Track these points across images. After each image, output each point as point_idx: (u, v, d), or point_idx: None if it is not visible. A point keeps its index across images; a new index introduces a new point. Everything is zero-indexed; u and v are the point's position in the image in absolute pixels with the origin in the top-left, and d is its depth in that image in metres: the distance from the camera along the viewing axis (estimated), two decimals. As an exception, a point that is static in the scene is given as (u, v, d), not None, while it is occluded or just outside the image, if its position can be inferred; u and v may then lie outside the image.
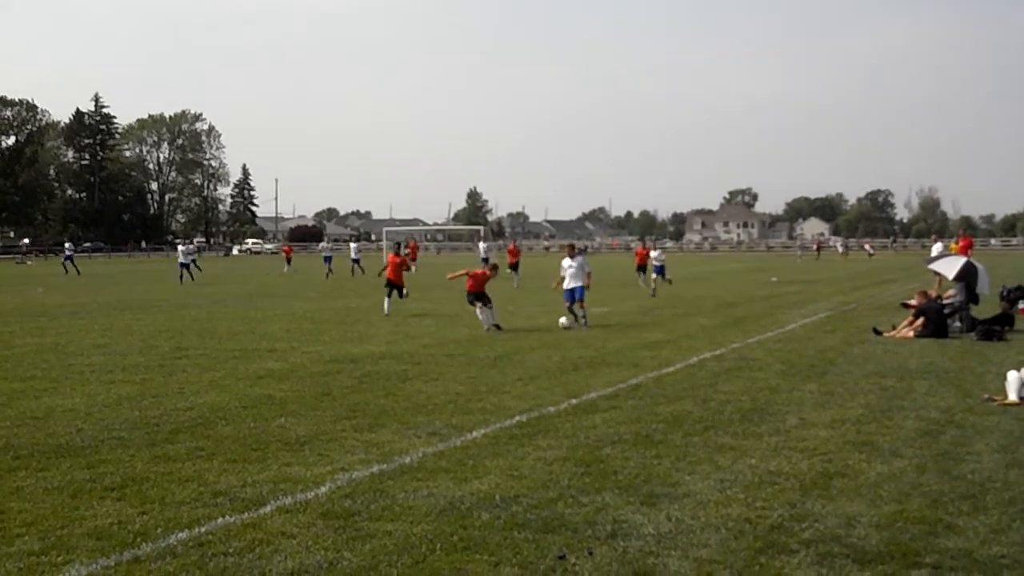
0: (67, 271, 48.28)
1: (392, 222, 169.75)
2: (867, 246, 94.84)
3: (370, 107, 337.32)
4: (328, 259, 49.07)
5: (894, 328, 18.65)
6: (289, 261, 58.45)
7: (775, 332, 19.46)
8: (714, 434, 9.56)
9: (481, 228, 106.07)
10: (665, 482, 7.74)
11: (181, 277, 42.64)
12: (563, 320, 20.53)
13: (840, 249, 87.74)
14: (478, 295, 20.32)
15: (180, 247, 48.27)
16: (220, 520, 6.80)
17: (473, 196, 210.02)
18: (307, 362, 15.26)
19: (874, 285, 38.28)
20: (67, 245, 60.80)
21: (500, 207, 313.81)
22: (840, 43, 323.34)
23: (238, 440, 9.49)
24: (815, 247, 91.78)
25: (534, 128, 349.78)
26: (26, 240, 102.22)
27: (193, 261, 46.47)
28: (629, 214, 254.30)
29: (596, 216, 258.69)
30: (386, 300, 23.97)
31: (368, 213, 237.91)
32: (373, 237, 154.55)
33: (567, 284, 20.70)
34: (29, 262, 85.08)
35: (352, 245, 50.08)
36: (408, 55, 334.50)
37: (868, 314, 23.36)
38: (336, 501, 7.27)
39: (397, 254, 23.11)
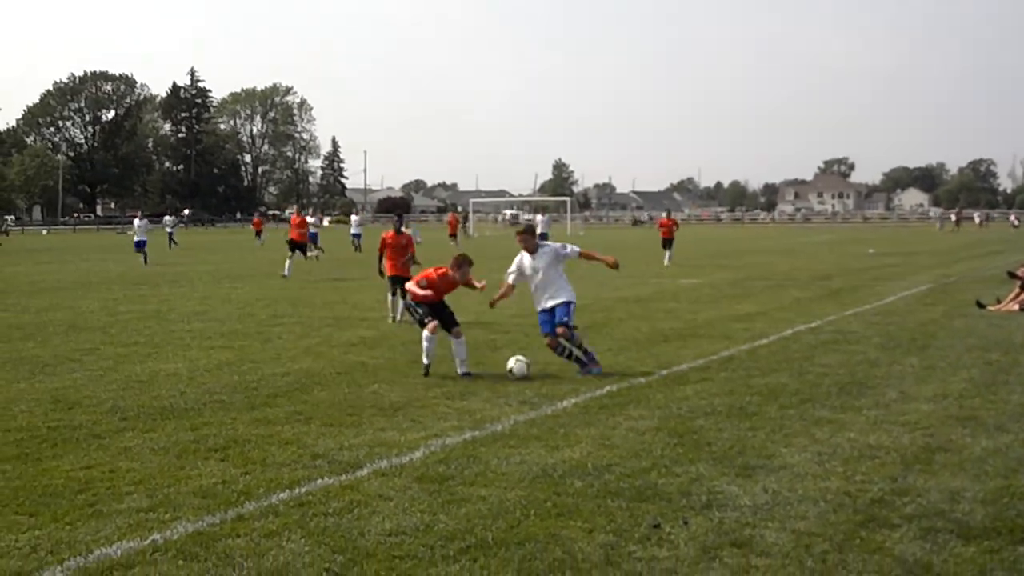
0: (173, 245, 49.11)
1: (478, 193, 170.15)
2: (1012, 218, 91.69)
3: (459, 80, 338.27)
4: (357, 236, 45.43)
5: (999, 301, 18.09)
6: (259, 234, 54.56)
7: (873, 305, 19.03)
8: (811, 407, 9.41)
9: (567, 199, 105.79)
10: (761, 454, 7.66)
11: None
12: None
13: (952, 220, 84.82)
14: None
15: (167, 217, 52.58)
16: (319, 481, 6.96)
17: (559, 167, 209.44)
18: (398, 330, 15.46)
19: (977, 257, 37.15)
20: (167, 219, 59.61)
21: (586, 178, 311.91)
22: (944, 8, 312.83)
23: (334, 405, 9.67)
24: (954, 218, 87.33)
25: (622, 97, 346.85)
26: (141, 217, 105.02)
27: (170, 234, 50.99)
28: (719, 184, 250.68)
29: (684, 187, 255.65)
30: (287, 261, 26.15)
31: (454, 185, 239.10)
32: (459, 208, 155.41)
33: (541, 301, 12.10)
34: (129, 231, 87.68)
35: (353, 218, 46.74)
36: (494, 29, 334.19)
37: (971, 287, 22.68)
38: (430, 466, 7.37)
39: (398, 232, 17.22)
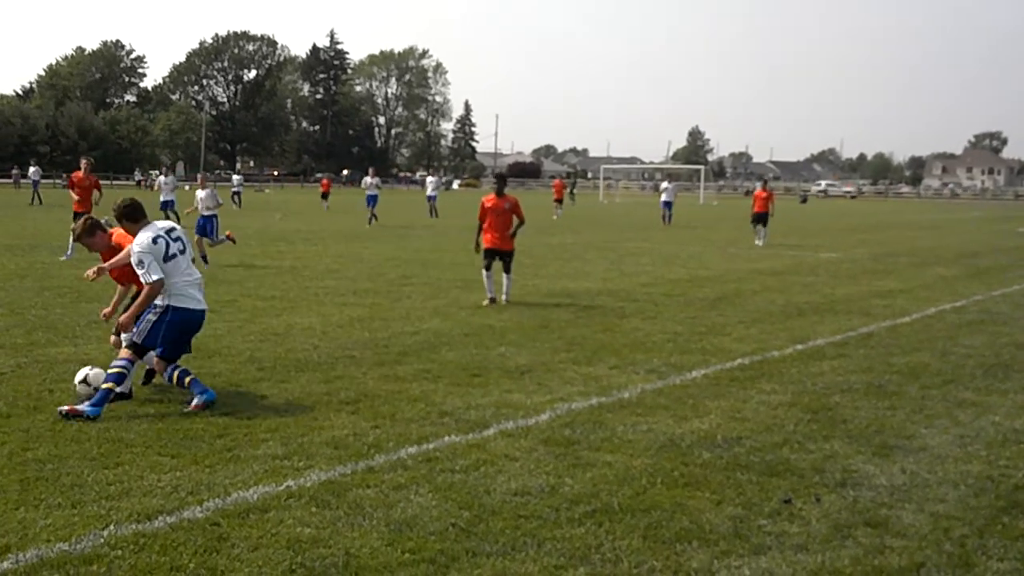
0: (238, 204, 49.46)
1: (609, 160, 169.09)
2: None
3: (593, 45, 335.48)
4: (431, 198, 43.55)
5: None
6: (325, 196, 51.77)
7: (1023, 286, 18.20)
8: (954, 388, 9.08)
9: (701, 168, 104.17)
10: (899, 434, 7.44)
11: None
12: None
13: None
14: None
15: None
16: (446, 439, 7.08)
17: (694, 134, 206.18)
18: (525, 294, 15.52)
19: None
20: (235, 178, 58.45)
21: (722, 146, 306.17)
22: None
23: (461, 365, 9.80)
24: None
25: (760, 63, 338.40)
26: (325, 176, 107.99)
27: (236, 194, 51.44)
28: (862, 156, 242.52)
29: (825, 158, 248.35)
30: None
31: (585, 151, 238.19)
32: (589, 175, 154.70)
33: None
34: (267, 190, 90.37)
35: (429, 180, 45.30)
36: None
37: None
38: (556, 429, 7.41)
39: (500, 195, 14.62)
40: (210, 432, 7.08)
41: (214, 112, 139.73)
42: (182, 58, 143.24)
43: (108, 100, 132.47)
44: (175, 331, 7.84)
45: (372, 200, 36.97)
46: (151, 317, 7.71)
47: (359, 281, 17.15)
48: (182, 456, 6.49)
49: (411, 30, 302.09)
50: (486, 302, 14.18)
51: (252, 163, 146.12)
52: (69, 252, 19.64)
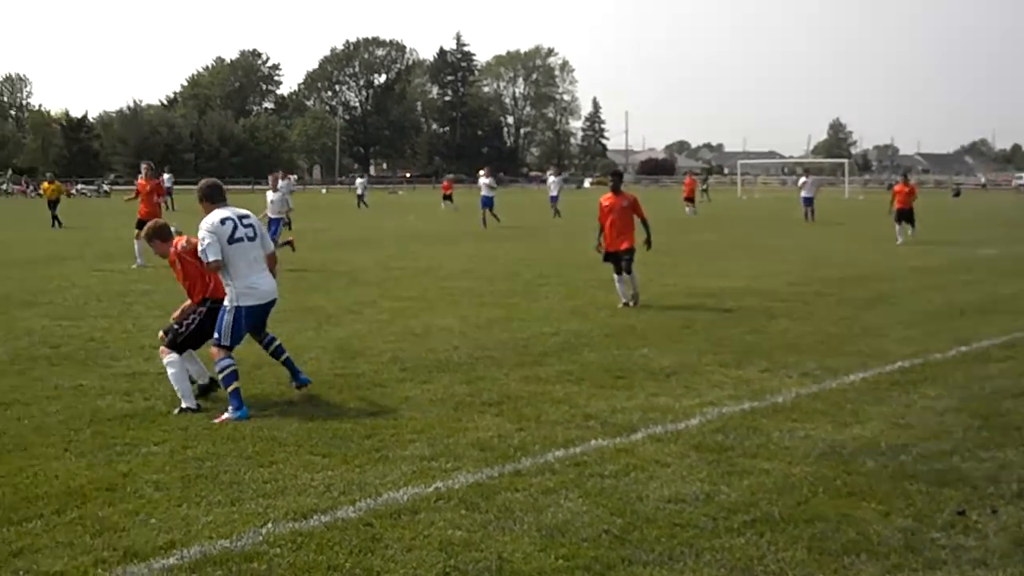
0: (361, 206, 50.44)
1: (746, 155, 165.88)
2: None
3: (728, 37, 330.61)
4: (554, 199, 42.56)
5: None
6: (448, 198, 50.51)
7: None
8: None
9: (845, 162, 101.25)
10: (1080, 442, 7.02)
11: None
12: None
13: None
14: None
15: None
16: (593, 442, 7.01)
17: (836, 127, 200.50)
18: (666, 294, 15.34)
19: None
20: (358, 181, 59.69)
21: (865, 139, 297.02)
22: None
23: (603, 367, 9.71)
24: None
25: (904, 51, 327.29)
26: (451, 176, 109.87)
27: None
28: (1016, 148, 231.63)
29: (977, 149, 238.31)
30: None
31: (720, 146, 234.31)
32: (725, 171, 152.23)
33: None
34: (399, 191, 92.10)
35: (551, 179, 44.31)
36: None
37: None
38: (708, 434, 7.25)
39: (617, 192, 14.09)
40: (358, 432, 7.19)
41: (347, 116, 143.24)
42: (315, 65, 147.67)
43: (247, 108, 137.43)
44: (248, 326, 8.07)
45: (487, 201, 35.25)
46: (229, 319, 7.89)
47: (495, 282, 17.24)
48: (333, 456, 6.61)
49: (537, 29, 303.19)
50: (621, 304, 13.98)
51: (385, 165, 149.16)
52: (139, 260, 19.38)
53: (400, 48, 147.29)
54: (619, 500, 5.81)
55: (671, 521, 5.47)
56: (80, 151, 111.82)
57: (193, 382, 8.25)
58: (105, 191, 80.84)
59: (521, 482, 6.11)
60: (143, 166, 21.52)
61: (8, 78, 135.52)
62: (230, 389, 7.74)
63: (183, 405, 7.86)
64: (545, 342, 11.14)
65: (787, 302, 14.50)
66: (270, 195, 21.11)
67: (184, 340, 8.24)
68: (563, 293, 15.61)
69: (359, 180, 59.39)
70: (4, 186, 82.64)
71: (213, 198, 8.17)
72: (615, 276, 14.19)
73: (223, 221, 7.90)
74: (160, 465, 6.40)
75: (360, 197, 53.22)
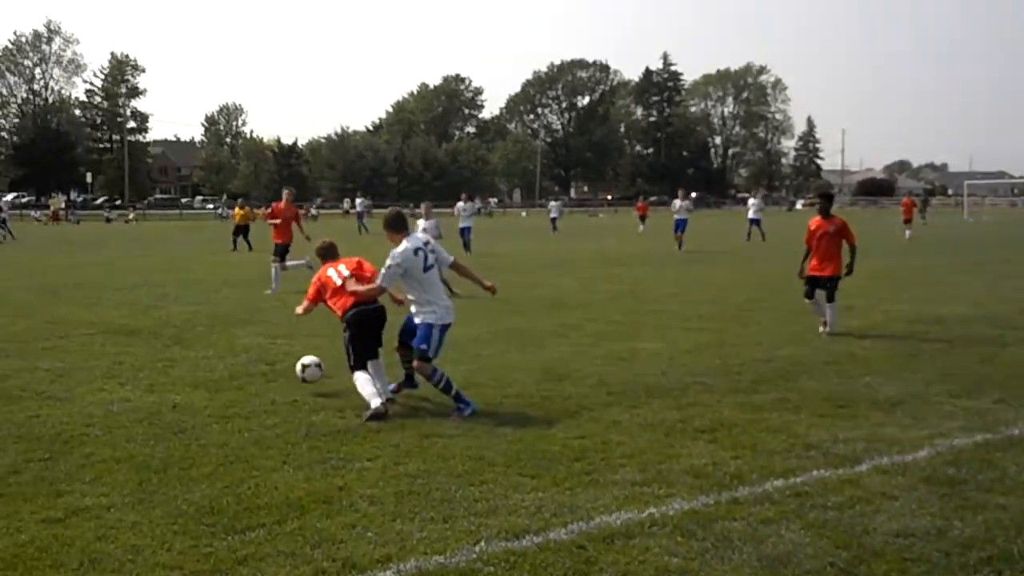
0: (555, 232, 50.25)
1: (972, 175, 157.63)
2: None
3: (951, 52, 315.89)
4: (755, 222, 41.54)
5: None
6: (643, 219, 50.43)
7: None
8: None
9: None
10: None
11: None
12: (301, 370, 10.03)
13: None
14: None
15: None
16: (814, 473, 6.80)
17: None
18: (888, 320, 14.76)
19: None
20: (553, 204, 57.94)
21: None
22: None
23: (823, 395, 9.42)
24: None
25: None
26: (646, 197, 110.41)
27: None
28: None
29: None
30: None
31: (944, 165, 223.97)
32: (950, 192, 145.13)
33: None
34: (600, 214, 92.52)
35: (751, 202, 41.05)
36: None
37: None
38: (938, 467, 6.92)
39: (827, 216, 13.63)
40: (567, 455, 7.24)
41: (549, 139, 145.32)
42: (518, 88, 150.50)
43: (449, 132, 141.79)
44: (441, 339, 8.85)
45: (681, 225, 34.08)
46: (437, 336, 8.74)
47: (703, 305, 17.03)
48: (542, 477, 6.68)
49: (747, 47, 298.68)
50: (821, 329, 13.52)
51: (586, 188, 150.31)
52: (274, 287, 19.45)
53: (604, 69, 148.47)
54: (844, 532, 5.62)
55: (901, 556, 5.26)
56: (290, 176, 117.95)
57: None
58: (313, 215, 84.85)
59: (739, 511, 6.00)
60: (285, 192, 21.41)
61: (225, 107, 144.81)
62: (453, 393, 8.64)
63: (375, 406, 8.50)
64: (759, 368, 10.90)
65: (1019, 329, 13.66)
66: (421, 223, 19.36)
67: (355, 359, 9.14)
68: (776, 318, 15.25)
69: (553, 203, 59.30)
70: (220, 210, 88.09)
71: (398, 228, 8.96)
72: (806, 300, 13.91)
73: (416, 252, 8.72)
74: (374, 480, 6.63)
75: (553, 221, 52.74)
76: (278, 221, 20.42)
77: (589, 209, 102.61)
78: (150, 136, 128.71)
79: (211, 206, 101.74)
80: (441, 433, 7.91)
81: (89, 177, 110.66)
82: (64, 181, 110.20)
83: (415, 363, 8.80)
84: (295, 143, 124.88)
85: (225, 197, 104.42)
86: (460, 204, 33.79)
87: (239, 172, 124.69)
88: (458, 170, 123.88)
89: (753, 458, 7.21)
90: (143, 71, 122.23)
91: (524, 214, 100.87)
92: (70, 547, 5.44)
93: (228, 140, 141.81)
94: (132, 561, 5.26)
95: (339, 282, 9.44)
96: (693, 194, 62.14)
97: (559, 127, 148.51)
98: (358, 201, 58.21)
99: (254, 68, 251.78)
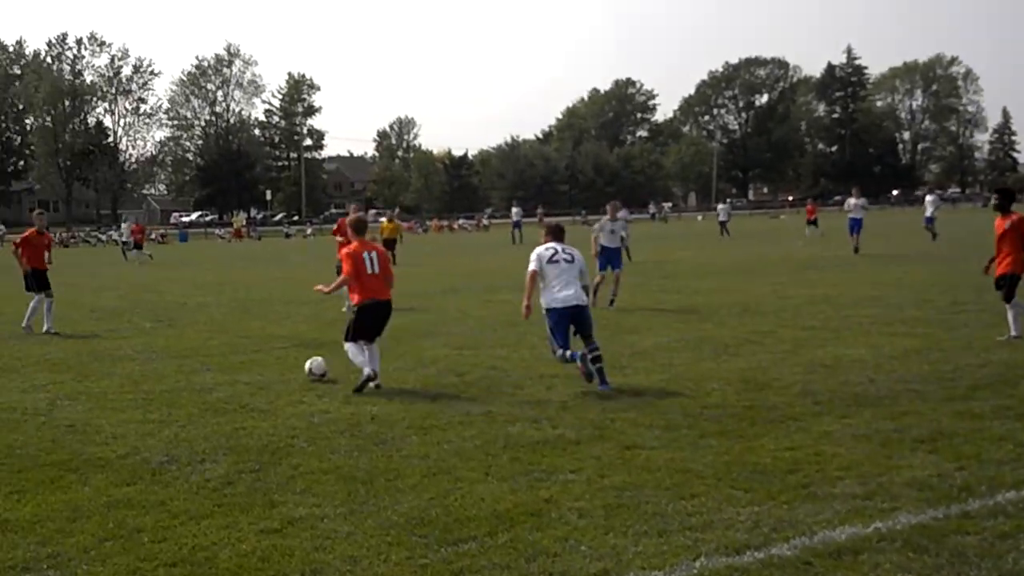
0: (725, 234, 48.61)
1: None
2: None
3: None
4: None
5: None
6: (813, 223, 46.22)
7: None
8: None
9: None
10: None
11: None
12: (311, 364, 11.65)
13: None
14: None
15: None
16: (1050, 486, 6.45)
17: None
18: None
19: None
20: (721, 207, 56.84)
21: None
22: None
23: (1049, 402, 8.93)
24: None
25: None
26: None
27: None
28: None
29: None
30: None
31: None
32: None
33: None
34: (782, 216, 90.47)
35: (929, 199, 37.79)
36: None
37: None
38: None
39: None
40: (779, 467, 7.08)
41: (725, 140, 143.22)
42: (691, 90, 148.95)
43: (621, 137, 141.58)
44: (557, 323, 10.49)
45: (856, 225, 32.58)
46: (550, 325, 10.53)
47: (904, 309, 16.41)
48: (755, 491, 6.55)
49: (935, 37, 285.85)
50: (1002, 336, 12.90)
51: (766, 189, 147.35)
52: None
53: (783, 66, 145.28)
54: (1093, 550, 5.29)
55: None
56: (461, 187, 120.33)
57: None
58: (485, 225, 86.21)
59: (971, 525, 5.74)
60: (351, 207, 21.37)
61: (397, 121, 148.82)
62: (589, 369, 10.21)
63: (365, 372, 10.51)
64: (974, 374, 10.43)
65: None
66: (605, 223, 19.94)
67: (354, 334, 10.80)
68: (984, 320, 14.54)
69: (721, 206, 58.14)
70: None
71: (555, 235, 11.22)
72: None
73: (547, 247, 10.91)
74: (580, 493, 6.65)
75: (722, 224, 51.64)
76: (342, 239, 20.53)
77: (769, 211, 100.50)
78: (325, 153, 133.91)
79: (383, 219, 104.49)
80: (642, 444, 7.87)
81: (268, 194, 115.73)
82: (245, 199, 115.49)
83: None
84: (465, 154, 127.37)
85: (397, 210, 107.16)
86: (620, 213, 32.91)
87: (411, 185, 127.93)
88: (631, 175, 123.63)
89: (979, 469, 6.89)
90: (318, 89, 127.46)
91: (700, 218, 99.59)
92: (290, 557, 5.65)
93: (400, 154, 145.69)
94: (351, 571, 5.43)
95: (369, 271, 10.84)
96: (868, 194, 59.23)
97: (736, 127, 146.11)
98: (514, 211, 58.75)
99: (425, 82, 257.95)
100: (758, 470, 7.03)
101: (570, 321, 10.46)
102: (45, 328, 16.66)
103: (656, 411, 9.03)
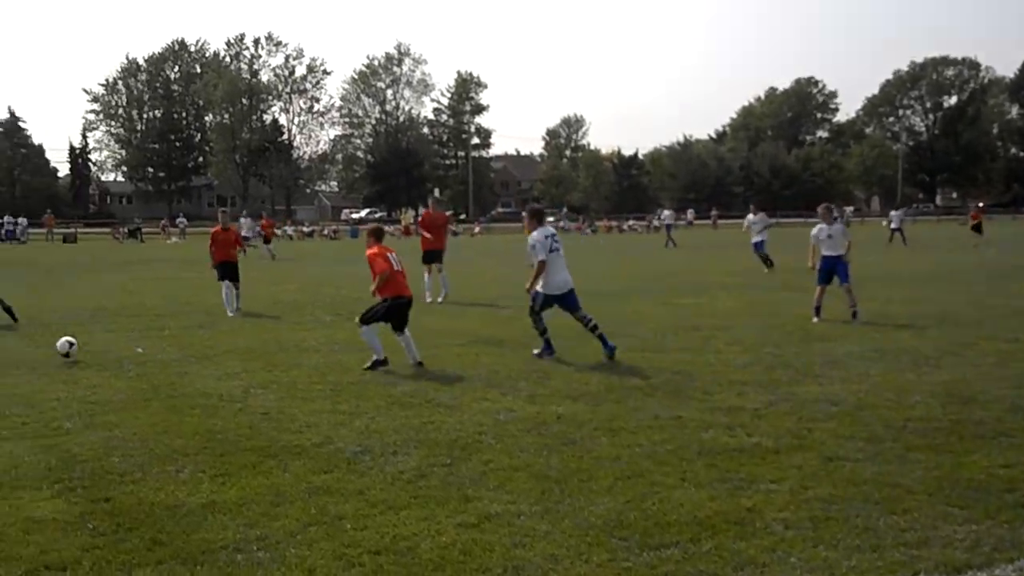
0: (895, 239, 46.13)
1: None
2: None
3: None
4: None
5: None
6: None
7: None
8: None
9: None
10: None
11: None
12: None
13: None
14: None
15: None
16: None
17: None
18: None
19: None
20: (894, 214, 53.72)
21: None
22: None
23: None
24: None
25: None
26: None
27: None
28: None
29: None
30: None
31: None
32: None
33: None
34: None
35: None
36: None
37: None
38: None
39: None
40: (995, 485, 6.82)
41: (911, 143, 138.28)
42: (876, 90, 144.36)
43: (800, 138, 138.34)
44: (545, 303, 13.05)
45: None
46: (540, 303, 13.07)
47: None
48: (972, 508, 6.32)
49: None
50: None
51: (954, 194, 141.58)
52: (427, 297, 20.31)
53: (974, 66, 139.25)
54: None
55: None
56: (630, 187, 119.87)
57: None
58: (656, 226, 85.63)
59: None
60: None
61: (566, 120, 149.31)
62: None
63: (374, 358, 12.13)
64: None
65: None
66: (751, 217, 25.54)
67: (371, 318, 12.22)
68: None
69: (893, 212, 55.72)
70: (561, 223, 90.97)
71: (539, 219, 13.57)
72: None
73: (545, 236, 13.03)
74: (783, 503, 6.54)
75: (896, 231, 49.09)
76: (429, 235, 21.41)
77: (959, 217, 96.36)
78: (492, 151, 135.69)
79: (550, 219, 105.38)
80: (844, 456, 7.69)
81: (436, 192, 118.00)
82: (412, 196, 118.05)
83: None
84: (635, 154, 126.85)
85: (565, 210, 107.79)
86: (750, 216, 31.84)
87: (578, 184, 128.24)
88: (810, 178, 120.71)
89: None
90: (486, 87, 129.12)
91: (885, 223, 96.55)
92: (491, 552, 5.76)
93: (568, 153, 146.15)
94: (553, 570, 5.50)
95: (397, 268, 12.44)
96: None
97: (922, 129, 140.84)
98: (665, 213, 57.89)
99: (595, 80, 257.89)
100: (973, 487, 6.77)
101: (561, 301, 13.03)
102: (231, 312, 18.63)
103: (856, 422, 8.82)
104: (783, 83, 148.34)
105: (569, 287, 13.10)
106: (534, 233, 13.23)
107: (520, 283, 26.28)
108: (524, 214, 15.93)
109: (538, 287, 13.06)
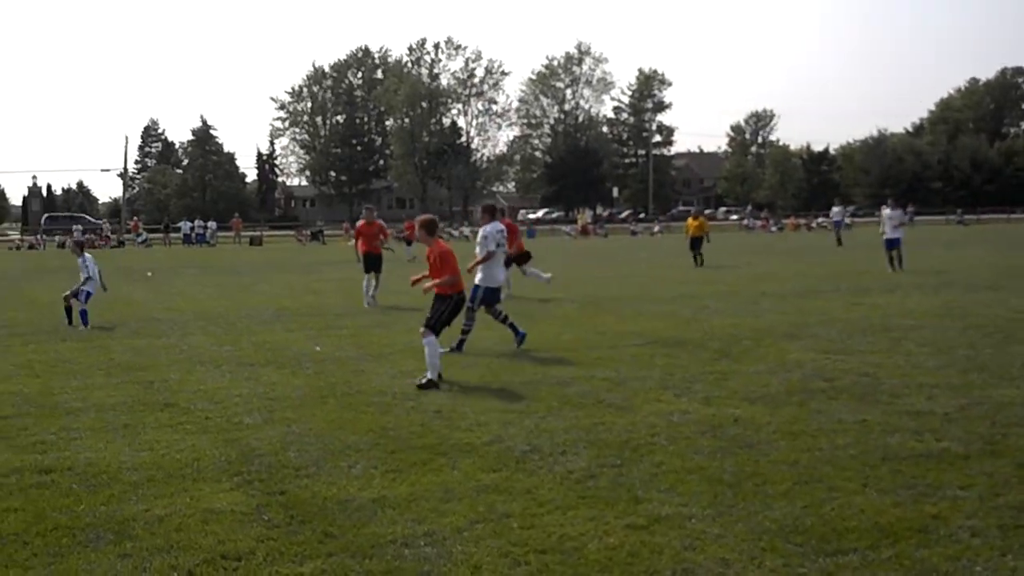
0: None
1: None
2: None
3: None
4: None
5: None
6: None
7: None
8: None
9: None
10: None
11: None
12: None
13: None
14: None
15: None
16: None
17: None
18: None
19: None
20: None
21: None
22: None
23: None
24: None
25: None
26: None
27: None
28: None
29: None
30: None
31: None
32: None
33: None
34: None
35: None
36: None
37: None
38: None
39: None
40: None
41: None
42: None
43: (1003, 131, 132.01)
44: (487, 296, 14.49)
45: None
46: (482, 296, 14.35)
47: None
48: None
49: None
50: None
51: None
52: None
53: None
54: None
55: None
56: (820, 183, 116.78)
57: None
58: (847, 224, 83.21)
59: None
60: (365, 210, 24.63)
61: (754, 115, 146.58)
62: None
63: (428, 376, 11.22)
64: None
65: None
66: (886, 211, 26.22)
67: (441, 324, 11.81)
68: None
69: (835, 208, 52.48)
70: (746, 220, 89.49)
71: (492, 214, 15.23)
72: None
73: (498, 231, 14.67)
74: (971, 511, 6.29)
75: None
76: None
77: None
78: (674, 149, 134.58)
79: (734, 217, 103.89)
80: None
81: (615, 191, 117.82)
82: (591, 196, 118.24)
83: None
84: (826, 149, 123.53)
85: (750, 207, 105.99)
86: (886, 211, 30.13)
87: (764, 182, 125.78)
88: (1014, 172, 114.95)
89: None
90: (670, 85, 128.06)
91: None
92: (659, 555, 5.74)
93: (754, 149, 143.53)
94: (724, 574, 5.43)
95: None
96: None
97: None
98: (835, 210, 55.61)
99: (786, 75, 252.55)
100: None
101: (494, 294, 14.50)
102: (368, 300, 20.69)
103: (951, 421, 8.45)
104: (986, 73, 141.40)
105: (502, 282, 15.35)
106: (487, 227, 14.83)
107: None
108: (479, 209, 18.72)
109: (477, 280, 14.35)
